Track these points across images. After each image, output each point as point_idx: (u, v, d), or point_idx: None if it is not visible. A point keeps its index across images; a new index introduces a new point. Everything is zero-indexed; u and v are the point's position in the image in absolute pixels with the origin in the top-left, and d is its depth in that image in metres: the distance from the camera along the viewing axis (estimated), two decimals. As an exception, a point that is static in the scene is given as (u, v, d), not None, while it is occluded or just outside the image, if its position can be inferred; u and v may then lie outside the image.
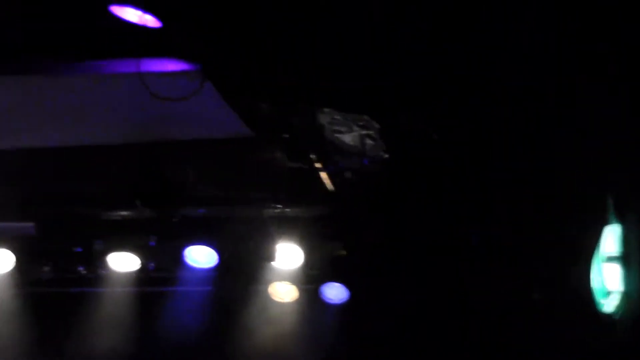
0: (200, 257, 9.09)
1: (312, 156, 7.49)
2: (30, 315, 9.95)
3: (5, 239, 9.32)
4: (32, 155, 7.93)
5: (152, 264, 9.41)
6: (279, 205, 8.73)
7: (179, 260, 9.15)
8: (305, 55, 6.17)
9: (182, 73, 6.30)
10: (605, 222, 6.23)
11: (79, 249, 9.34)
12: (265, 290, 9.46)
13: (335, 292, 9.38)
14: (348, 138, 6.92)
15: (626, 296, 6.03)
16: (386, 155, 6.98)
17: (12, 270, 9.50)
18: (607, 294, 6.14)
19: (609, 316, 6.17)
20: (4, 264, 9.42)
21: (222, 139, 7.42)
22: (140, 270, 9.43)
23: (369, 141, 6.92)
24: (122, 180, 8.08)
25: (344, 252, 9.06)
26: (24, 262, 9.49)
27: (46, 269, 9.66)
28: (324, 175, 7.68)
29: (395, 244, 8.54)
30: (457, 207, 7.87)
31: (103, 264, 9.38)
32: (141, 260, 9.30)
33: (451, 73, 6.13)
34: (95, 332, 9.94)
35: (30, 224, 9.09)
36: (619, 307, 6.06)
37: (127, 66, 6.28)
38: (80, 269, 9.47)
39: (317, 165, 7.63)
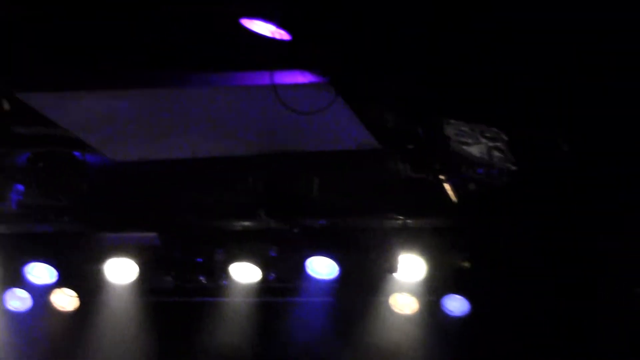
0: (322, 268, 9.12)
1: (437, 167, 7.43)
2: (152, 325, 10.10)
3: (129, 249, 9.47)
4: (158, 166, 8.02)
5: (273, 275, 9.45)
6: (401, 217, 8.69)
7: (300, 271, 9.17)
8: (434, 66, 6.15)
9: (311, 85, 6.32)
10: None
11: (200, 259, 9.38)
12: (386, 302, 9.43)
13: (456, 305, 9.32)
14: (475, 149, 6.87)
15: None
16: (514, 168, 6.89)
17: (134, 280, 9.62)
18: None
19: None
20: (127, 274, 9.56)
21: (347, 150, 7.42)
22: (261, 281, 9.46)
23: (496, 153, 6.85)
24: (246, 191, 8.12)
25: (467, 264, 8.99)
26: (147, 271, 9.62)
27: (168, 278, 9.78)
28: (447, 186, 7.61)
29: (520, 255, 8.44)
30: (586, 218, 7.76)
31: (224, 274, 9.44)
32: (262, 270, 9.33)
33: (583, 84, 6.05)
34: (216, 342, 10.04)
35: (154, 234, 9.21)
36: None
37: (255, 78, 6.33)
38: (202, 278, 9.54)
39: (441, 177, 7.57)
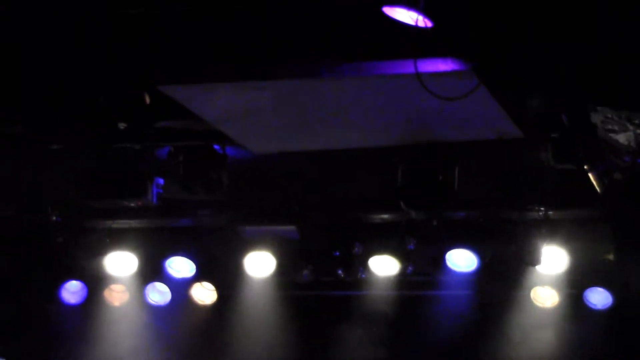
0: (461, 260, 9.04)
1: (581, 156, 7.29)
2: (290, 318, 10.16)
3: (268, 243, 9.54)
4: (298, 158, 8.04)
5: (411, 268, 9.39)
6: (543, 208, 8.57)
7: (439, 263, 9.11)
8: (582, 52, 6.01)
9: (453, 73, 6.24)
10: None
11: (338, 252, 9.39)
12: (527, 295, 9.32)
13: (599, 298, 9.18)
14: (622, 137, 6.69)
15: None
16: (663, 155, 6.71)
17: (273, 273, 9.68)
18: None
19: None
20: (265, 267, 9.62)
21: (489, 140, 7.33)
22: (399, 274, 9.42)
23: (645, 140, 6.67)
24: (386, 183, 8.07)
25: (610, 257, 8.82)
26: (285, 265, 9.67)
27: (306, 272, 9.80)
28: (592, 176, 7.45)
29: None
30: None
31: (362, 267, 9.43)
32: (400, 263, 9.29)
33: None
34: (355, 335, 10.05)
35: (293, 227, 9.24)
36: None
37: (398, 67, 6.28)
38: (340, 272, 9.53)
39: (586, 166, 7.42)
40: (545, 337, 9.42)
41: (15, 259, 9.56)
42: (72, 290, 9.97)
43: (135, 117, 7.34)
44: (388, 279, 9.54)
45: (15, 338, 10.49)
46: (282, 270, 9.73)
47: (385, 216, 9.07)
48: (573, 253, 8.84)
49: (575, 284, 9.17)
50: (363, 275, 9.58)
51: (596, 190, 7.67)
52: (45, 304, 10.16)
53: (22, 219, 9.37)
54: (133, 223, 9.54)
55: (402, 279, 9.57)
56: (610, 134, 6.72)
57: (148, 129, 7.52)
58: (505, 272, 9.13)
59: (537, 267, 8.91)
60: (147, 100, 7.22)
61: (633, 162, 6.94)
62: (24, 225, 9.39)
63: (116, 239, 9.62)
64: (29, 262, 9.63)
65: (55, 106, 7.17)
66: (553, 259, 8.86)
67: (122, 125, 7.44)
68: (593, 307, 9.22)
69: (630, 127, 6.70)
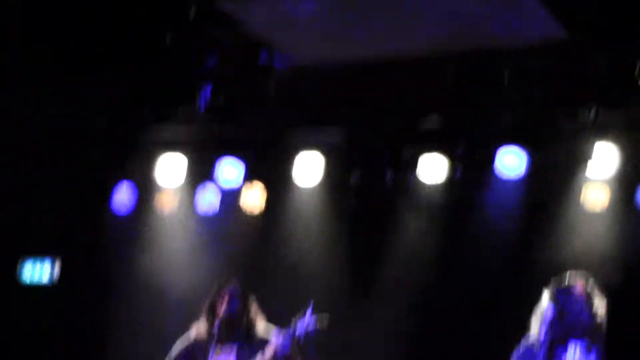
0: (511, 161, 9.00)
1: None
2: (338, 222, 10.22)
3: (317, 147, 9.61)
4: (342, 66, 8.01)
5: (460, 171, 9.38)
6: (594, 107, 8.51)
7: (488, 165, 9.10)
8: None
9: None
10: None
11: (387, 156, 9.39)
12: (576, 197, 9.30)
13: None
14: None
15: None
16: None
17: (322, 177, 9.76)
18: None
19: None
20: (314, 171, 9.71)
21: (538, 44, 7.29)
22: (448, 177, 9.44)
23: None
24: (435, 87, 8.05)
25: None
26: (334, 168, 9.75)
27: (354, 177, 9.84)
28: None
29: None
30: None
31: (411, 171, 9.44)
32: (449, 166, 9.31)
33: None
34: (402, 238, 10.10)
35: (341, 131, 9.26)
36: None
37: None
38: (389, 176, 9.54)
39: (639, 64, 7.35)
40: (595, 238, 9.38)
41: (70, 166, 9.61)
42: (122, 198, 10.02)
43: (184, 25, 7.35)
44: (437, 182, 9.52)
45: (69, 243, 10.68)
46: (331, 175, 9.76)
47: (435, 119, 9.02)
48: (625, 152, 8.77)
49: (627, 184, 9.08)
50: (412, 179, 9.56)
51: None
52: (97, 211, 10.23)
53: (75, 127, 9.38)
54: (182, 130, 9.58)
55: (451, 182, 9.55)
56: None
57: (197, 41, 7.52)
58: (555, 172, 9.09)
59: (588, 167, 8.87)
60: (192, 13, 7.25)
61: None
62: (76, 134, 9.40)
63: (166, 147, 9.69)
64: (81, 170, 9.68)
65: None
66: (604, 159, 8.80)
67: (169, 36, 7.44)
68: (643, 208, 9.13)
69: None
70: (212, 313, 7.89)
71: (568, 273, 7.23)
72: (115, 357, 10.64)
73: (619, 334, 7.13)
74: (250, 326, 7.88)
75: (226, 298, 7.86)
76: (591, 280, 7.19)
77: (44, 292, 10.83)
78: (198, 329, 7.94)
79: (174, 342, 8.34)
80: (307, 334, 7.71)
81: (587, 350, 7.03)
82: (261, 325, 7.89)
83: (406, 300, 10.11)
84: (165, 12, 7.30)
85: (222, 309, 7.82)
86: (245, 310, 7.89)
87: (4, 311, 10.54)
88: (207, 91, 8.52)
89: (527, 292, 7.56)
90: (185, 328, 8.37)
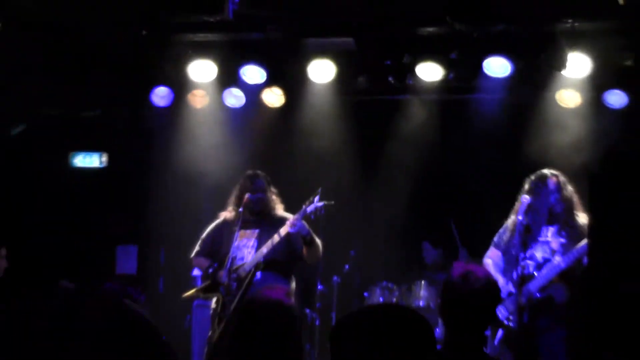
0: (497, 67, 9.06)
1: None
2: (347, 119, 10.33)
3: (329, 53, 9.60)
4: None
5: (453, 74, 9.43)
6: (570, 20, 8.53)
7: (477, 70, 9.15)
8: None
9: None
10: None
11: (389, 61, 9.43)
12: (553, 97, 9.38)
13: (616, 99, 9.21)
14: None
15: None
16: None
17: (333, 80, 9.78)
18: None
19: None
20: (326, 75, 9.71)
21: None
22: (443, 80, 9.48)
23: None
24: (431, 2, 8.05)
25: (629, 63, 8.81)
26: (344, 72, 9.74)
27: (362, 79, 9.90)
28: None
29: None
30: None
31: (410, 74, 9.49)
32: (444, 70, 9.35)
33: None
34: (404, 134, 10.20)
35: (351, 39, 9.27)
36: None
37: None
38: (391, 78, 9.60)
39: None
40: (568, 133, 9.47)
41: (112, 70, 9.66)
42: (160, 95, 10.10)
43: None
44: (432, 84, 9.58)
45: (115, 136, 10.79)
46: (341, 78, 9.78)
47: (432, 29, 9.06)
48: (595, 59, 8.83)
49: (595, 87, 9.18)
50: (411, 81, 9.65)
51: (619, 3, 7.62)
52: (138, 108, 10.32)
53: (117, 34, 9.41)
54: (212, 36, 9.58)
55: (444, 84, 9.62)
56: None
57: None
58: (535, 76, 9.17)
59: (563, 72, 8.93)
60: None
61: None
62: (118, 40, 9.43)
63: (198, 50, 9.70)
64: (124, 72, 9.73)
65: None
66: (577, 65, 8.86)
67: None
68: (610, 106, 9.21)
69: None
70: (238, 201, 8.02)
71: (545, 169, 7.37)
72: (153, 232, 10.81)
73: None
74: (269, 212, 8.02)
75: (251, 188, 7.99)
76: (563, 175, 7.33)
77: (95, 174, 10.96)
78: (226, 214, 8.08)
79: (205, 223, 8.54)
80: (315, 213, 7.88)
81: (557, 233, 7.20)
82: (279, 212, 8.04)
83: (405, 188, 10.25)
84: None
85: (246, 198, 7.96)
86: (267, 199, 8.02)
87: (58, 191, 10.69)
88: (234, 1, 8.48)
89: (512, 181, 7.68)
90: (215, 211, 8.56)
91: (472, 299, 4.33)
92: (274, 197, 8.16)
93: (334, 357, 3.04)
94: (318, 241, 7.94)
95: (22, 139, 10.70)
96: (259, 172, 8.16)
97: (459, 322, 4.37)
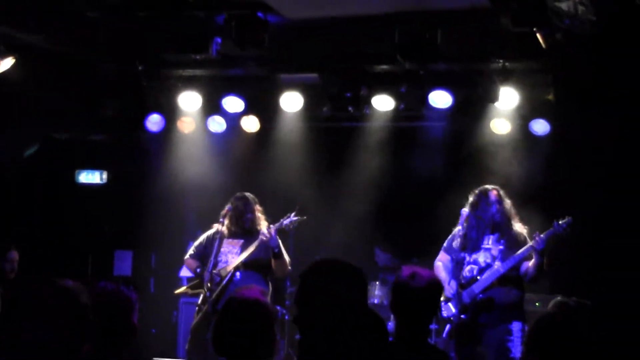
0: (440, 99, 9.04)
1: (532, 21, 7.21)
2: (312, 143, 10.27)
3: (298, 86, 9.57)
4: (320, 22, 7.95)
5: (403, 105, 9.42)
6: (502, 60, 8.54)
7: (423, 102, 9.14)
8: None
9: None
10: None
11: (349, 94, 9.40)
12: (488, 125, 9.38)
13: (540, 127, 9.23)
14: (564, 5, 6.64)
15: None
16: (594, 18, 6.64)
17: (301, 109, 9.74)
18: None
19: None
20: (296, 105, 9.67)
21: (464, 8, 7.26)
22: (394, 110, 9.46)
23: (581, 7, 6.61)
24: (386, 41, 8.03)
25: (550, 97, 8.84)
26: (310, 103, 9.71)
27: (325, 108, 9.85)
28: (540, 36, 7.40)
29: (598, 89, 8.24)
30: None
31: (367, 105, 9.48)
32: (395, 102, 9.32)
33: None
34: (360, 156, 10.15)
35: (315, 75, 9.25)
36: None
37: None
38: (350, 108, 9.57)
39: (534, 28, 7.34)
40: (501, 156, 9.46)
41: (112, 99, 9.57)
42: (154, 122, 10.00)
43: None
44: (386, 113, 9.55)
45: (115, 156, 10.68)
46: (308, 107, 9.76)
47: (385, 67, 9.05)
48: (523, 94, 8.84)
49: (523, 117, 9.17)
50: (367, 111, 9.63)
51: (542, 47, 7.63)
52: (135, 132, 10.23)
53: (117, 69, 9.34)
54: (198, 71, 9.54)
55: (395, 113, 9.60)
56: (555, 3, 6.66)
57: (211, 0, 7.45)
58: (472, 108, 9.15)
59: (496, 104, 8.93)
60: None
61: (571, 25, 6.87)
62: (120, 74, 9.36)
63: (186, 83, 9.64)
64: (124, 100, 9.65)
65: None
66: (507, 98, 8.86)
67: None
68: (535, 133, 9.22)
69: (570, -3, 6.64)
70: (231, 218, 7.95)
71: (487, 185, 7.33)
72: (146, 239, 10.70)
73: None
74: (254, 225, 7.94)
75: (243, 208, 7.92)
76: (501, 189, 7.28)
77: (96, 189, 10.86)
78: (219, 226, 8.00)
79: (190, 231, 8.45)
80: (290, 226, 7.81)
81: (497, 241, 7.14)
82: (263, 226, 7.95)
83: (361, 202, 10.19)
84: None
85: (234, 213, 7.89)
86: (254, 217, 7.95)
87: (65, 203, 10.58)
88: (217, 41, 8.43)
89: (457, 196, 7.61)
90: (199, 222, 8.45)
91: (418, 296, 4.26)
92: (259, 214, 8.08)
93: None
94: (286, 258, 7.85)
95: (35, 159, 10.57)
96: (248, 194, 8.08)
97: (407, 316, 4.30)
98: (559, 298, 4.69)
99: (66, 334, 2.69)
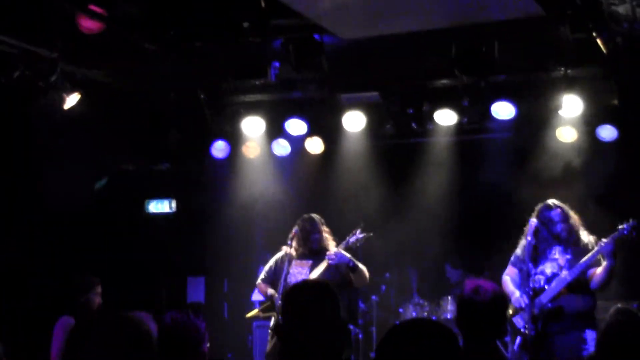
0: (503, 111, 9.02)
1: (591, 26, 7.19)
2: (377, 161, 10.30)
3: (360, 105, 9.63)
4: (377, 41, 8.01)
5: (466, 119, 9.41)
6: (564, 68, 8.50)
7: (486, 114, 9.12)
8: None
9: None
10: None
11: (412, 110, 9.43)
12: (553, 134, 9.30)
13: (607, 133, 9.10)
14: (621, 9, 6.60)
15: None
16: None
17: (364, 128, 9.79)
18: None
19: None
20: (358, 124, 9.73)
21: (519, 18, 7.27)
22: (457, 124, 9.47)
23: (639, 10, 6.56)
24: (445, 56, 8.06)
25: (615, 102, 8.75)
26: (373, 122, 9.75)
27: (388, 126, 9.90)
28: (600, 42, 7.36)
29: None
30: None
31: (430, 120, 9.49)
32: (458, 116, 9.33)
33: None
34: (426, 173, 10.16)
35: (376, 94, 9.30)
36: None
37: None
38: (413, 124, 9.59)
39: (594, 34, 7.32)
40: (568, 165, 9.39)
41: (179, 129, 9.77)
42: (219, 149, 10.14)
43: (256, 17, 7.40)
44: (449, 127, 9.56)
45: (182, 185, 10.87)
46: (371, 126, 9.80)
47: (446, 81, 9.07)
48: (587, 100, 8.76)
49: (589, 123, 9.07)
50: (430, 127, 9.63)
51: (603, 52, 7.59)
52: (201, 159, 10.40)
53: (181, 99, 9.55)
54: (260, 96, 9.68)
55: (459, 127, 9.59)
56: (612, 7, 6.63)
57: (266, 26, 7.56)
58: (536, 117, 9.10)
59: (560, 112, 8.86)
60: (263, 4, 7.29)
61: (631, 28, 6.82)
62: (182, 103, 9.56)
63: (248, 109, 9.78)
64: (188, 130, 9.83)
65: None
66: (572, 106, 8.79)
67: (246, 24, 7.49)
68: (603, 139, 9.11)
69: (628, 0, 6.60)
70: (300, 240, 8.03)
71: (550, 200, 7.29)
72: (217, 265, 10.84)
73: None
74: (322, 246, 8.01)
75: (310, 229, 8.01)
76: (567, 204, 7.24)
77: (166, 218, 11.06)
78: (287, 249, 8.09)
79: (259, 255, 8.54)
80: (356, 244, 7.87)
81: (564, 251, 7.10)
82: (332, 247, 8.02)
83: (428, 218, 10.18)
84: (241, 5, 7.36)
85: (301, 235, 7.98)
86: (322, 238, 8.03)
87: (136, 233, 10.80)
88: (276, 66, 8.57)
89: (525, 207, 7.57)
90: (267, 246, 8.54)
91: (483, 310, 4.28)
92: (326, 235, 8.15)
93: None
94: (362, 267, 7.90)
95: (106, 190, 10.83)
96: (314, 215, 8.16)
97: (473, 331, 4.32)
98: (619, 305, 4.66)
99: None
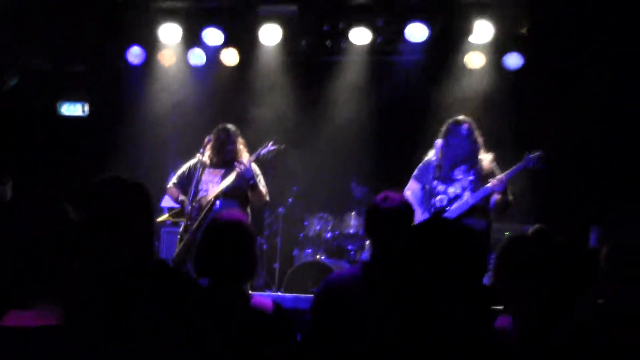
0: (417, 33, 8.99)
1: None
2: (290, 77, 10.19)
3: (277, 19, 9.44)
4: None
5: (380, 38, 9.35)
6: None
7: (400, 35, 9.08)
8: None
9: None
10: None
11: (327, 27, 9.32)
12: (462, 60, 9.34)
13: (514, 61, 9.19)
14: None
15: None
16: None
17: (279, 43, 9.63)
18: None
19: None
20: (274, 38, 9.55)
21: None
22: (371, 43, 9.40)
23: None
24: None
25: (524, 31, 8.81)
26: (288, 37, 9.60)
27: (303, 42, 9.77)
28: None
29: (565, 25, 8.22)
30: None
31: (344, 38, 9.40)
32: (372, 35, 9.25)
33: None
34: (336, 95, 10.11)
35: (295, 7, 9.13)
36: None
37: None
38: (328, 42, 9.48)
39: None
40: (475, 89, 9.46)
41: (96, 31, 9.44)
42: (134, 54, 9.88)
43: None
44: (363, 47, 9.48)
45: (97, 89, 10.58)
46: (286, 41, 9.63)
47: (362, 0, 8.94)
48: (497, 27, 8.78)
49: (497, 50, 9.13)
50: (345, 45, 9.54)
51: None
52: (116, 64, 10.11)
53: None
54: (178, 3, 9.45)
55: (373, 47, 9.50)
56: None
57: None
58: (447, 41, 9.11)
59: (471, 38, 8.88)
60: None
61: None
62: (99, 5, 9.22)
63: (166, 15, 9.51)
64: (105, 32, 9.51)
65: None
66: (483, 32, 8.80)
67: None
68: (508, 67, 9.19)
69: None
70: (213, 149, 7.90)
71: (460, 116, 7.30)
72: (127, 170, 10.63)
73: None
74: (235, 156, 7.91)
75: (221, 136, 7.88)
76: (473, 121, 7.25)
77: (79, 121, 10.78)
78: (201, 157, 7.95)
79: (170, 160, 8.38)
80: (267, 155, 7.79)
81: (466, 171, 7.14)
82: (244, 157, 7.92)
83: (338, 135, 10.18)
84: None
85: (215, 144, 7.86)
86: (236, 149, 7.92)
87: (49, 135, 10.50)
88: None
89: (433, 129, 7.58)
90: (179, 152, 8.38)
91: (390, 216, 4.30)
92: (241, 146, 8.03)
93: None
94: (262, 189, 7.83)
95: (16, 90, 10.44)
96: (230, 125, 8.02)
97: (381, 237, 4.34)
98: (538, 225, 4.74)
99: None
